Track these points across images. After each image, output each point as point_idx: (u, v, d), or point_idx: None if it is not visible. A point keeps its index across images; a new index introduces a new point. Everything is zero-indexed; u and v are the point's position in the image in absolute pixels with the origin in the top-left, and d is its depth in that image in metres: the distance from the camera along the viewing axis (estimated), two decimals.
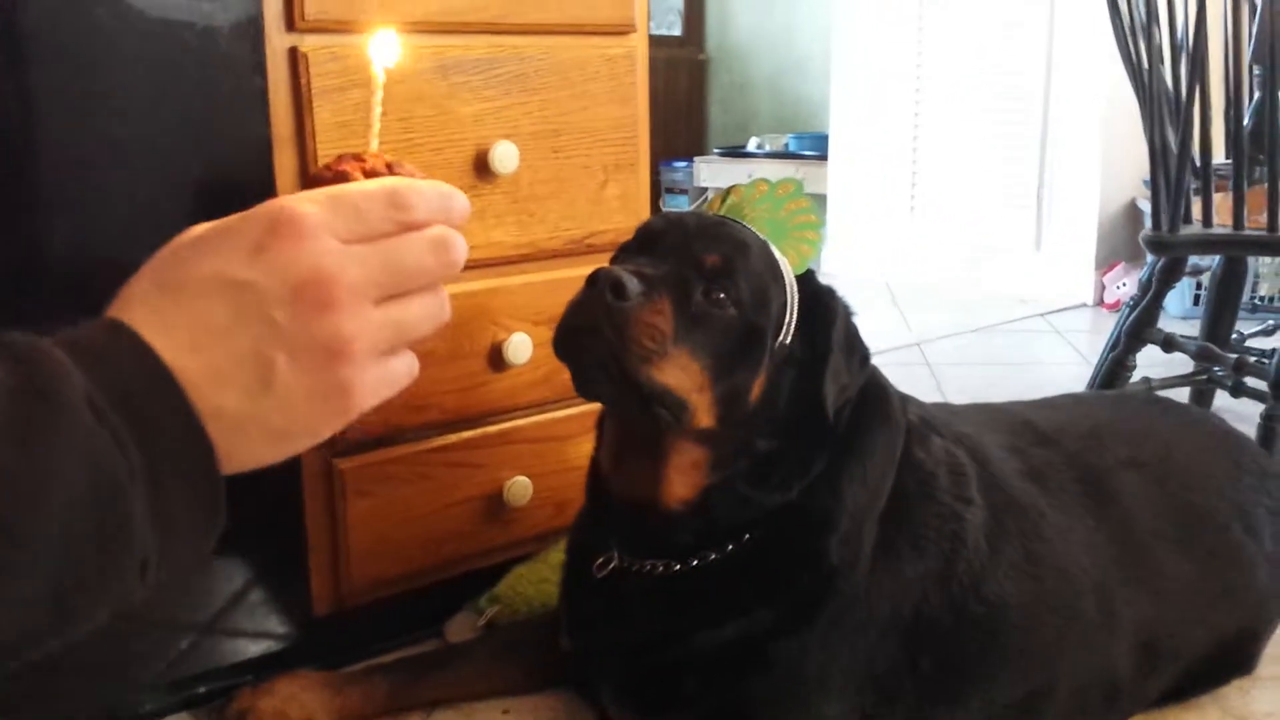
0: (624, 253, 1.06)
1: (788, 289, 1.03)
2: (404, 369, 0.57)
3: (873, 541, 1.07)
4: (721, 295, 0.98)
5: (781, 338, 1.02)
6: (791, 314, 1.03)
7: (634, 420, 1.02)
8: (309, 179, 0.61)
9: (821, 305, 1.06)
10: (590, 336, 0.94)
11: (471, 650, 1.32)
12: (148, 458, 0.48)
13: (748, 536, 1.06)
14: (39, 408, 0.46)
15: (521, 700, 1.28)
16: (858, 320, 1.10)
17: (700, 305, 0.97)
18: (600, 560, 1.11)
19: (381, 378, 0.56)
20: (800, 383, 1.04)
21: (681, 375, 0.96)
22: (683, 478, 1.04)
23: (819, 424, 1.04)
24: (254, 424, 0.53)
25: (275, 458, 0.55)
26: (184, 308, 0.52)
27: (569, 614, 1.20)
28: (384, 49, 0.66)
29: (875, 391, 1.12)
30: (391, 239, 0.56)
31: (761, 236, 1.05)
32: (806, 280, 1.06)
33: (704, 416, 0.99)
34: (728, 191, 1.10)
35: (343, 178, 0.60)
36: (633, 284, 0.93)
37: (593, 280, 0.94)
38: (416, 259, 0.57)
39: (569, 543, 1.23)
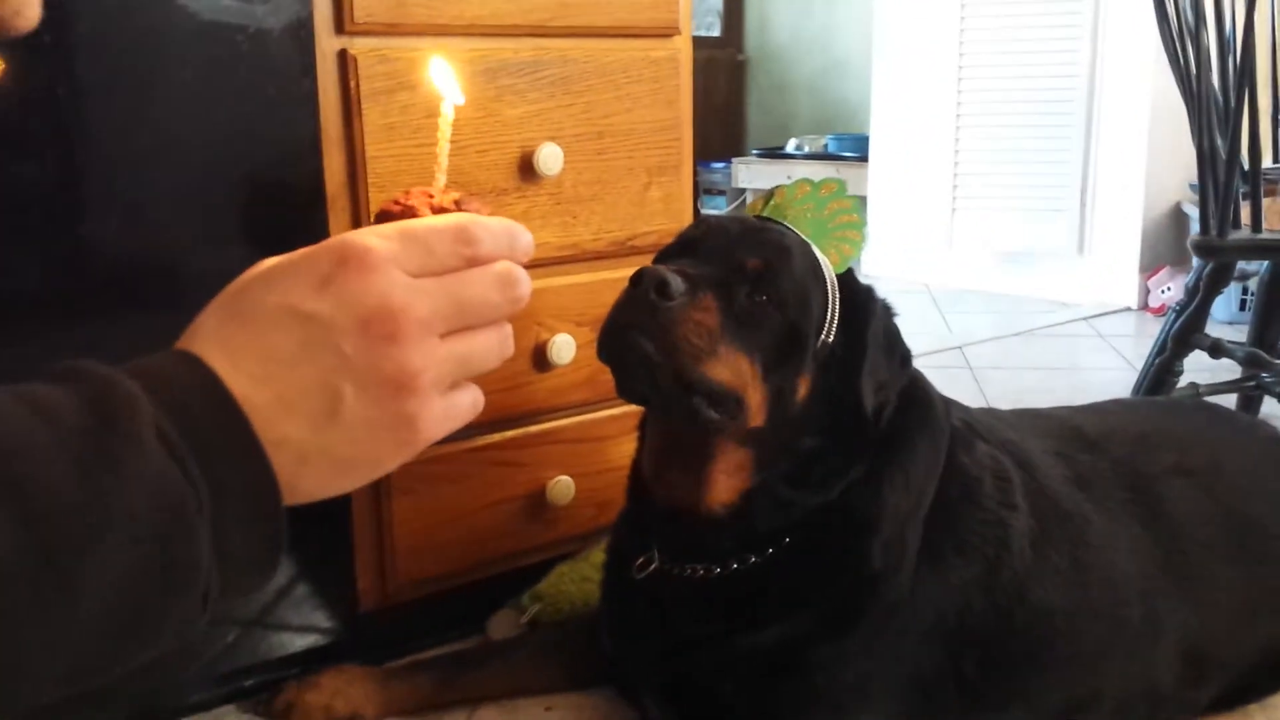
0: (665, 257, 1.06)
1: (829, 289, 1.03)
2: (468, 402, 0.58)
3: (916, 546, 1.06)
4: (764, 298, 0.98)
5: (823, 337, 1.02)
6: (833, 314, 1.03)
7: (677, 423, 1.02)
8: (378, 214, 0.62)
9: (859, 304, 1.06)
10: (635, 336, 0.93)
11: (514, 648, 1.33)
12: (213, 490, 0.49)
13: (788, 540, 1.05)
14: (108, 439, 0.46)
15: (564, 697, 1.29)
16: (898, 321, 1.10)
17: (744, 306, 0.97)
18: (640, 561, 1.11)
19: (446, 411, 0.56)
20: (841, 382, 1.04)
21: (732, 372, 0.96)
22: (727, 480, 1.04)
23: (859, 424, 1.03)
24: (319, 454, 0.53)
25: (338, 489, 0.56)
26: (253, 338, 0.53)
27: (610, 617, 1.20)
28: (450, 88, 0.66)
29: (918, 396, 1.12)
30: (458, 274, 0.56)
31: (803, 237, 1.04)
32: (846, 280, 1.06)
33: (755, 414, 0.99)
34: (771, 193, 1.09)
35: (411, 213, 0.61)
36: (677, 282, 0.93)
37: (636, 279, 0.93)
38: (483, 294, 0.57)
39: (609, 545, 1.24)
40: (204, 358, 0.51)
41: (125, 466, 0.46)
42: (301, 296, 0.53)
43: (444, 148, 0.65)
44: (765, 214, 1.08)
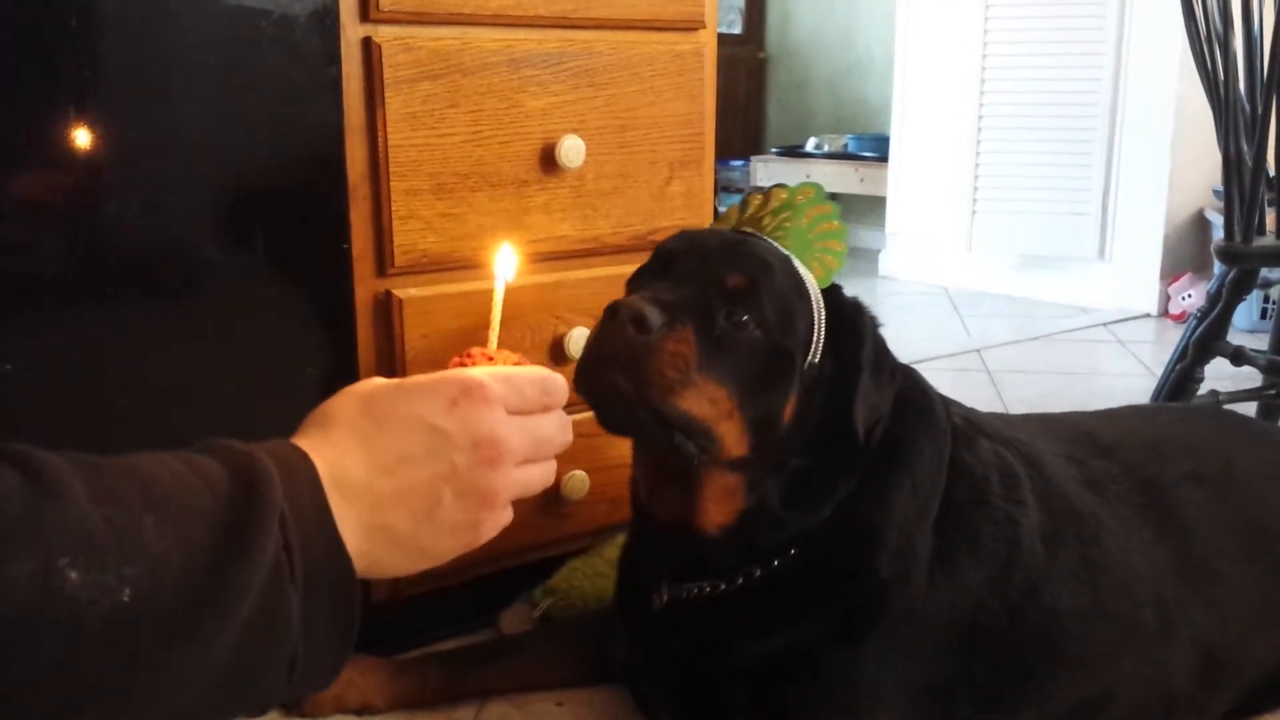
0: (642, 275, 1.03)
1: (814, 306, 1.00)
2: (509, 517, 0.71)
3: (927, 553, 1.05)
4: (745, 318, 0.95)
5: (810, 357, 0.99)
6: (819, 332, 1.00)
7: (661, 454, 0.99)
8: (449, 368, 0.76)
9: (848, 322, 1.02)
10: (612, 373, 0.90)
11: (526, 642, 1.33)
12: (306, 574, 0.58)
13: (793, 552, 1.04)
14: (253, 506, 0.56)
15: (575, 693, 1.28)
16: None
17: (724, 330, 0.94)
18: (656, 595, 1.09)
19: (499, 522, 0.69)
20: (830, 400, 1.01)
21: (707, 404, 0.93)
22: (717, 506, 1.02)
23: (851, 441, 1.00)
24: (409, 543, 0.65)
25: (407, 572, 0.67)
26: (388, 435, 0.65)
27: (623, 630, 1.18)
28: (507, 270, 0.80)
29: (916, 397, 1.10)
30: (537, 416, 0.71)
31: (784, 252, 1.01)
32: (833, 294, 1.03)
33: (733, 446, 0.96)
34: (746, 202, 1.06)
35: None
36: (654, 315, 0.90)
37: (613, 312, 0.91)
38: (550, 434, 0.72)
39: (621, 560, 1.22)
40: (340, 442, 0.64)
41: (263, 533, 0.55)
42: (434, 412, 0.66)
43: (497, 316, 0.79)
44: (741, 226, 1.04)
